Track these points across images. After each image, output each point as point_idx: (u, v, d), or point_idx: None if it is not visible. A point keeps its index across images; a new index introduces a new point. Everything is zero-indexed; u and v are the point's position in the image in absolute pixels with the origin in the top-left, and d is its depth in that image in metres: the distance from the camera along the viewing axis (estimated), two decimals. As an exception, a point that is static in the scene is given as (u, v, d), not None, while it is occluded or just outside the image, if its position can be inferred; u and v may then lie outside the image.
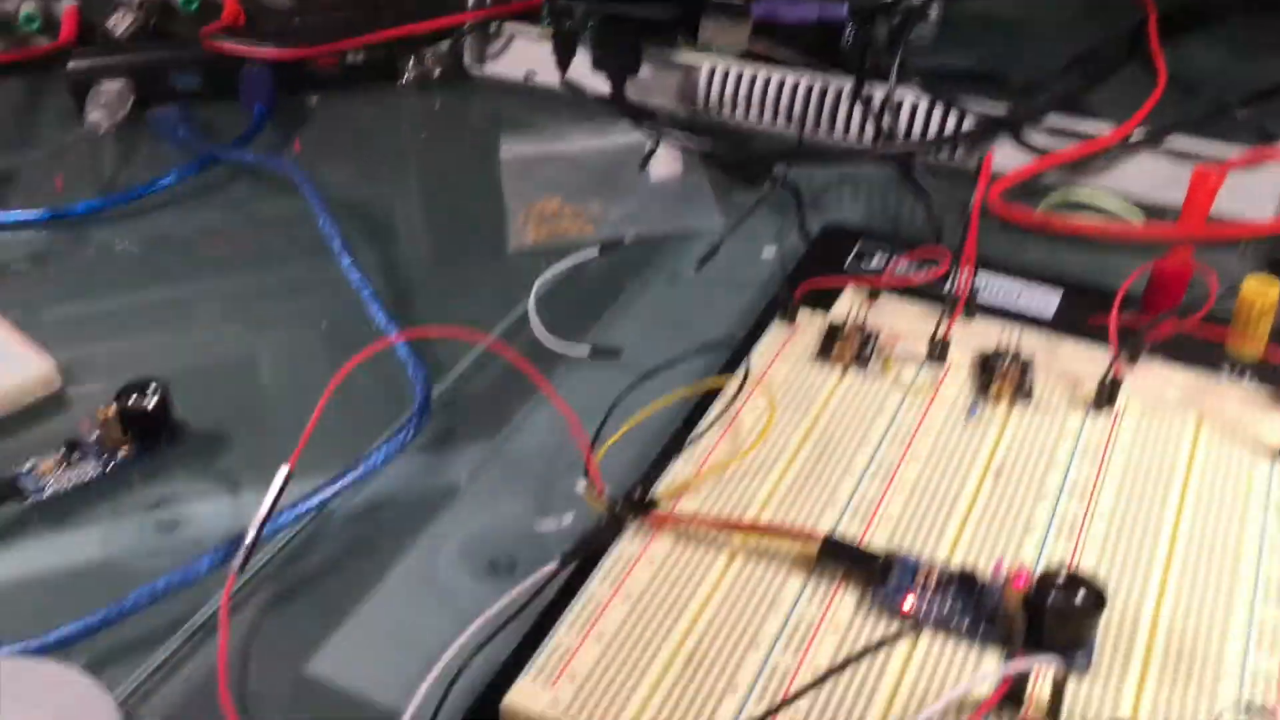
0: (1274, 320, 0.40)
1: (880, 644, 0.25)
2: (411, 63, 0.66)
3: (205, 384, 0.45)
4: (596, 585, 0.34)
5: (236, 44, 0.62)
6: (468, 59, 0.67)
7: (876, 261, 0.47)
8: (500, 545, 0.38)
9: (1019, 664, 0.27)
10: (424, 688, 0.31)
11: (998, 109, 0.52)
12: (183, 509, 0.41)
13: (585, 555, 0.35)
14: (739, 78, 0.57)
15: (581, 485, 0.37)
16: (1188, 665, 0.31)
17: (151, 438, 0.42)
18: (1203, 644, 0.31)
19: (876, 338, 0.42)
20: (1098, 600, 0.30)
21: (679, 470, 0.37)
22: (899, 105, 0.54)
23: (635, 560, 0.34)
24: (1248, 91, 0.54)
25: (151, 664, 0.35)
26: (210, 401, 0.44)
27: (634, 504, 0.35)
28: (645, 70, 0.59)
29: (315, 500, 0.39)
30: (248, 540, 0.36)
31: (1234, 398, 0.39)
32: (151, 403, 0.41)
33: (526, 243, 0.52)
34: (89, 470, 0.41)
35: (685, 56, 0.59)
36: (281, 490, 0.37)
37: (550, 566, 0.34)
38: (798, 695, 0.24)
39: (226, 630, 0.34)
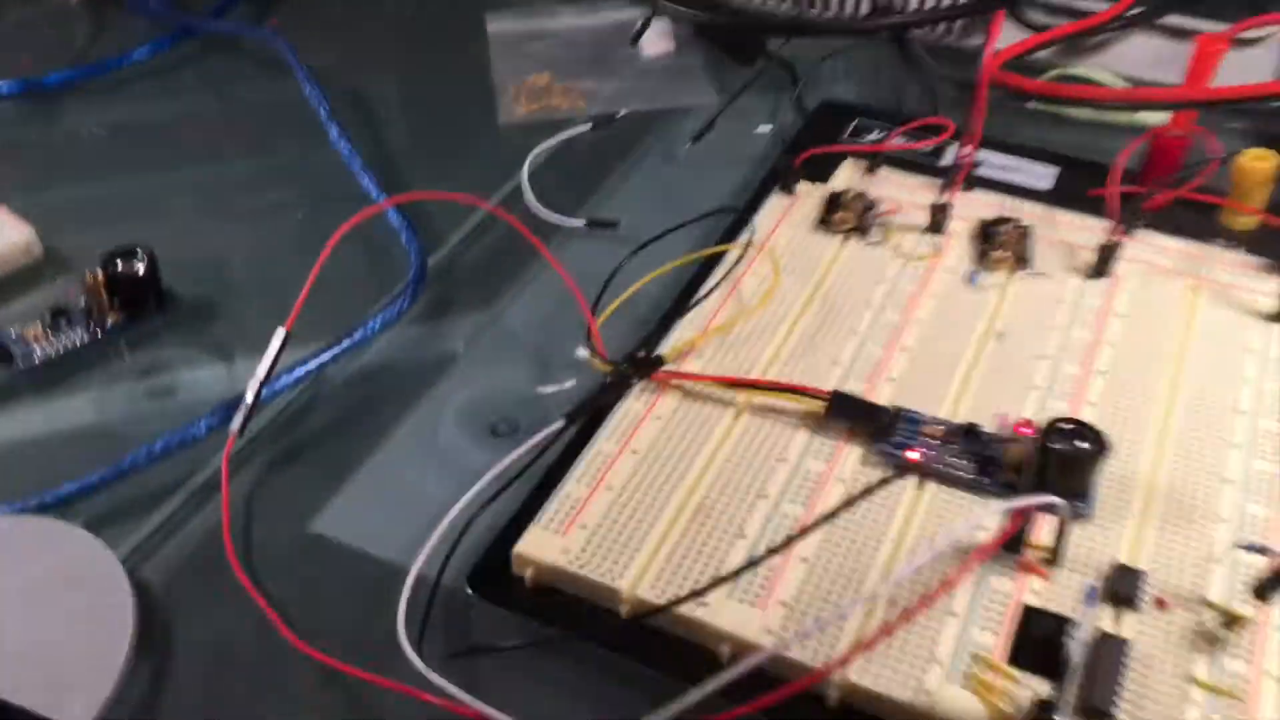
0: (1269, 192, 0.40)
1: (884, 481, 0.25)
2: (394, -64, 0.64)
3: (194, 255, 0.44)
4: (604, 441, 0.34)
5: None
6: (451, -66, 0.65)
7: (874, 137, 0.47)
8: (501, 410, 0.37)
9: (1026, 501, 0.27)
10: (431, 541, 0.31)
11: (996, -14, 0.51)
12: (175, 376, 0.40)
13: (590, 414, 0.35)
14: (732, -48, 0.56)
15: (583, 351, 0.37)
16: (1185, 513, 0.31)
17: (140, 305, 0.41)
18: (1200, 494, 0.32)
19: (876, 207, 0.42)
20: (1100, 445, 0.31)
21: (682, 333, 0.37)
22: (896, -21, 0.53)
23: (642, 417, 0.34)
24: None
25: (152, 524, 0.34)
26: (199, 274, 0.43)
27: (640, 362, 0.35)
28: (636, -57, 0.57)
29: (313, 364, 0.38)
30: (247, 400, 0.35)
31: (1229, 265, 0.40)
32: (139, 268, 0.41)
33: (517, 117, 0.51)
34: (77, 337, 0.40)
35: (678, -70, 0.57)
36: (280, 352, 0.36)
37: (555, 425, 0.34)
38: (804, 532, 0.24)
39: (228, 489, 0.34)
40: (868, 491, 0.26)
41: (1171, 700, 0.27)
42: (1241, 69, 0.48)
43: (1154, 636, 0.28)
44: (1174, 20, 0.50)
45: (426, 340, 0.41)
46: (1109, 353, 0.36)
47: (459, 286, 0.43)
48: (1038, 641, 0.27)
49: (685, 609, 0.29)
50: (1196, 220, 0.41)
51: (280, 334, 0.36)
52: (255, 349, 0.36)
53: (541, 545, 0.30)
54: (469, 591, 0.31)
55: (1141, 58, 0.50)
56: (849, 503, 0.26)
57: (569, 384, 0.38)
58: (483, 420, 0.37)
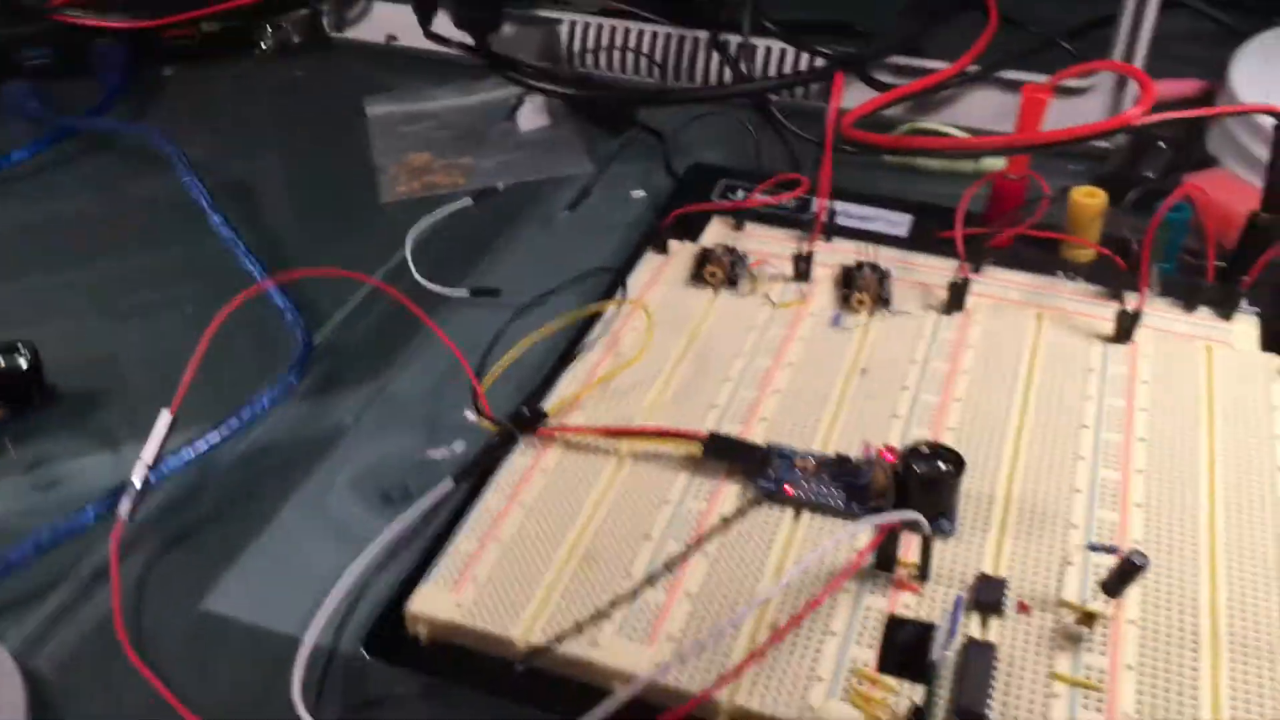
0: (1100, 226, 0.44)
1: (754, 503, 0.26)
2: (270, 31, 0.65)
3: (80, 351, 0.44)
4: (492, 496, 0.35)
5: (85, 16, 0.60)
6: (327, 24, 0.67)
7: (740, 196, 0.49)
8: (392, 477, 0.38)
9: (887, 516, 0.29)
10: (325, 610, 0.32)
11: (845, 51, 0.55)
12: (60, 468, 0.40)
13: (479, 472, 0.36)
14: (599, 29, 0.59)
15: (470, 414, 0.38)
16: (1040, 522, 0.33)
17: (23, 400, 0.41)
18: (1053, 504, 0.34)
19: (744, 260, 0.44)
20: (958, 465, 0.33)
21: (565, 388, 0.39)
22: (753, 50, 0.56)
23: (529, 471, 0.35)
24: (1072, 27, 0.58)
25: (42, 614, 0.34)
26: (86, 369, 0.43)
27: (524, 419, 0.37)
28: (507, 26, 0.60)
29: (202, 445, 0.39)
30: (134, 485, 0.36)
31: (1070, 294, 0.43)
32: (22, 363, 0.41)
33: (399, 196, 0.52)
34: (-42, 434, 0.40)
35: (547, 11, 0.60)
36: (166, 435, 0.37)
37: (444, 486, 0.35)
38: (682, 559, 0.25)
39: (118, 574, 0.34)
40: (740, 513, 0.28)
41: (1037, 697, 0.29)
42: (1078, 115, 0.52)
43: (1018, 638, 0.30)
44: (1010, 74, 0.54)
45: (316, 415, 0.42)
46: (964, 381, 0.39)
47: (347, 361, 0.44)
48: (907, 649, 0.29)
49: (577, 649, 0.30)
50: (1040, 256, 0.44)
51: (165, 417, 0.37)
52: (142, 437, 0.36)
53: (434, 602, 0.31)
54: (365, 655, 0.31)
55: (984, 111, 0.54)
56: (725, 524, 0.27)
57: (458, 446, 0.39)
58: (374, 488, 0.38)
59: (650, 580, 0.29)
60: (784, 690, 0.29)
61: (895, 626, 0.29)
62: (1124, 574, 0.29)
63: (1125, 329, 0.40)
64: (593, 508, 0.34)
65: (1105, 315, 0.41)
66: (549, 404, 0.38)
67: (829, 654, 0.30)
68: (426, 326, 0.42)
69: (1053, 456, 0.36)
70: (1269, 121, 0.41)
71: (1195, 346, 0.40)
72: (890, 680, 0.29)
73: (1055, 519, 0.34)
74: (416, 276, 0.46)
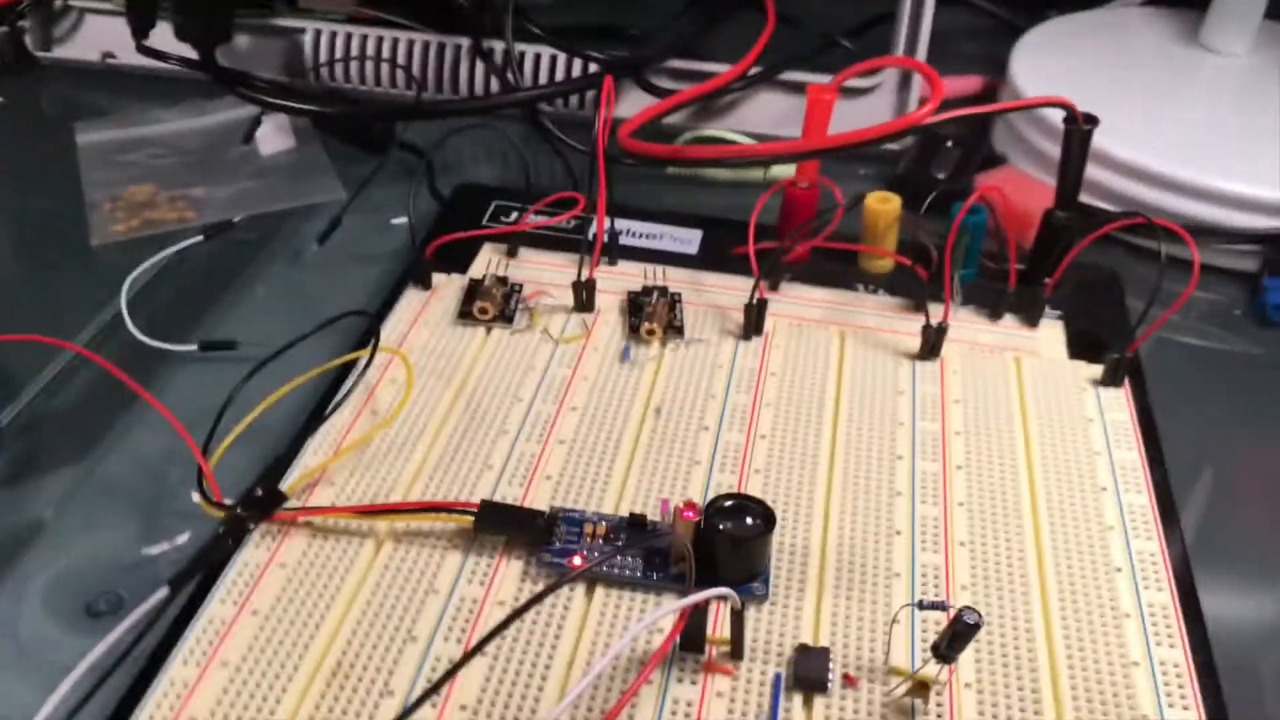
0: (896, 233, 0.41)
1: (540, 596, 0.21)
2: (-42, 51, 0.56)
3: None
4: (217, 605, 0.28)
5: None
6: (31, 43, 0.58)
7: (514, 219, 0.44)
8: (99, 583, 0.31)
9: (690, 599, 0.24)
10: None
11: (618, 55, 0.50)
12: None
13: (202, 574, 0.29)
14: (348, 39, 0.53)
15: (197, 497, 0.31)
16: (861, 575, 0.30)
17: None
18: (873, 551, 0.30)
19: (519, 291, 0.39)
20: (768, 519, 0.29)
21: (310, 459, 0.33)
22: (520, 58, 0.51)
23: (264, 568, 0.29)
24: (851, 25, 0.56)
25: None
26: None
27: (255, 503, 0.30)
28: (240, 38, 0.53)
29: None
30: None
31: (871, 309, 0.40)
32: None
33: (114, 236, 0.45)
34: None
35: (286, 21, 0.53)
36: None
37: (159, 595, 0.29)
38: (457, 667, 0.20)
39: None
40: (519, 613, 0.23)
41: (873, 787, 0.25)
42: (865, 116, 0.49)
43: (842, 718, 0.26)
44: (795, 76, 0.51)
45: (5, 510, 0.34)
46: (769, 415, 0.35)
47: (46, 441, 0.36)
48: None
49: (324, 799, 0.24)
50: (838, 269, 0.41)
51: None
52: None
53: (139, 754, 0.25)
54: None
55: (769, 115, 0.51)
56: (500, 628, 0.22)
57: (182, 539, 0.32)
58: (77, 599, 0.31)
59: (420, 700, 0.24)
60: (582, 820, 0.24)
61: None
62: (956, 635, 0.25)
63: (932, 345, 0.37)
64: (344, 608, 0.28)
65: (910, 330, 0.38)
66: (292, 479, 0.32)
67: (634, 764, 0.25)
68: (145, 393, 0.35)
69: (869, 495, 0.32)
70: (1056, 116, 0.39)
71: (1004, 359, 0.38)
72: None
73: (877, 569, 0.30)
74: (134, 332, 0.39)
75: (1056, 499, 0.32)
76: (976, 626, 0.25)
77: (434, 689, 0.20)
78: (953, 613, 0.26)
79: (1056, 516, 0.32)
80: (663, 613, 0.24)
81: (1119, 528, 0.31)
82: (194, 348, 0.39)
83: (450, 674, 0.20)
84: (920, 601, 0.27)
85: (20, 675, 0.29)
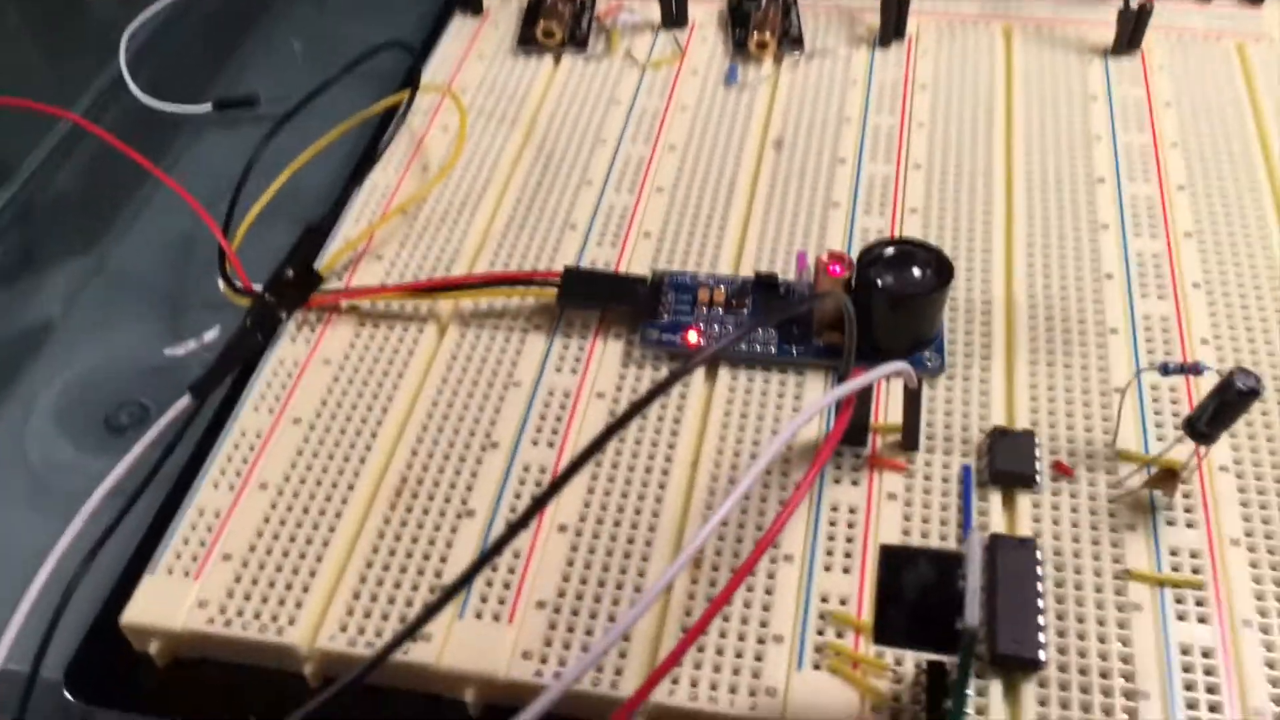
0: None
1: (658, 391, 0.15)
2: None
3: None
4: (249, 414, 0.23)
5: None
6: None
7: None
8: (118, 392, 0.26)
9: (853, 383, 0.18)
10: (16, 620, 0.20)
11: None
12: None
13: (231, 376, 0.24)
14: None
15: (221, 282, 0.26)
16: (1065, 333, 0.23)
17: None
18: (1076, 303, 0.23)
19: (592, 6, 0.31)
20: (942, 268, 0.22)
21: (349, 230, 0.26)
22: None
23: (303, 366, 0.23)
24: None
25: None
26: None
27: (287, 286, 0.24)
28: None
29: None
30: None
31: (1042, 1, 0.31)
32: None
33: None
34: None
35: None
36: None
37: (180, 404, 0.23)
38: (552, 490, 0.14)
39: None
40: (632, 413, 0.16)
41: (1109, 611, 0.19)
42: None
43: (1064, 520, 0.20)
44: None
45: (5, 312, 0.29)
46: (922, 139, 0.27)
47: (46, 229, 0.31)
48: (914, 601, 0.18)
49: (403, 651, 0.19)
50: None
51: None
52: None
53: (164, 602, 0.20)
54: (68, 696, 0.20)
55: None
56: (612, 430, 0.15)
57: (211, 335, 0.27)
58: (93, 413, 0.26)
59: (515, 528, 0.18)
60: (725, 675, 0.18)
61: (892, 561, 0.17)
62: (1224, 406, 0.18)
63: (1130, 34, 0.29)
64: (405, 410, 0.23)
65: (1098, 18, 0.30)
66: (329, 255, 0.26)
67: (786, 592, 0.19)
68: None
69: (1064, 232, 0.25)
70: None
71: (1224, 47, 0.29)
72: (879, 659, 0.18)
73: (1085, 326, 0.23)
74: (138, 94, 0.33)
75: (1316, 221, 0.25)
76: (1253, 393, 0.18)
77: (531, 512, 0.14)
78: (1208, 377, 0.19)
79: (1319, 243, 0.24)
80: (819, 406, 0.18)
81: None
82: (208, 108, 0.33)
83: (552, 492, 0.14)
84: (1164, 365, 0.20)
85: (31, 504, 0.24)
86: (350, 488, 0.21)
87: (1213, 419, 0.19)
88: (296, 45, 0.36)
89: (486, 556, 0.15)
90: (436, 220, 0.26)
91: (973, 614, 0.15)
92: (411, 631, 0.15)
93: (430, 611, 0.15)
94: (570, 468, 0.15)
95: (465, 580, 0.15)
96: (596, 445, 0.15)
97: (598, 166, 0.27)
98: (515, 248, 0.26)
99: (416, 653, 0.19)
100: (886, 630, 0.16)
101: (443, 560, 0.20)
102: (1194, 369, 0.20)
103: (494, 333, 0.24)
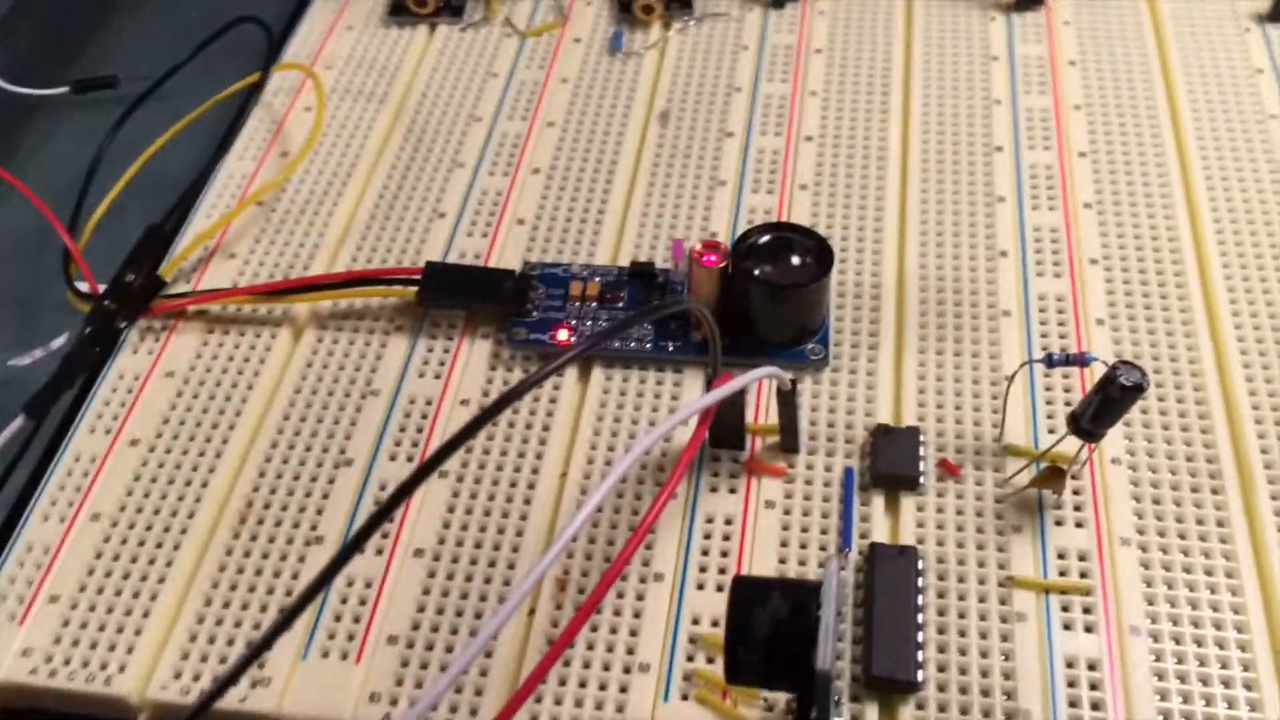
0: None
1: (516, 392, 0.14)
2: None
3: None
4: (83, 437, 0.21)
5: None
6: None
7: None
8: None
9: (714, 395, 0.17)
10: None
11: None
12: None
13: (61, 393, 0.22)
14: None
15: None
16: (955, 320, 0.22)
17: None
18: (969, 284, 0.22)
19: (468, -28, 0.29)
20: (823, 256, 0.20)
21: (201, 224, 0.25)
22: None
23: (144, 380, 0.22)
24: None
25: None
26: None
27: (129, 293, 0.23)
28: None
29: None
30: None
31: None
32: None
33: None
34: None
35: None
36: None
37: (14, 426, 0.22)
38: (400, 497, 0.13)
39: None
40: (482, 422, 0.14)
41: (992, 621, 0.18)
42: None
43: (949, 524, 0.19)
44: None
45: None
46: (815, 109, 0.26)
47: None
48: (776, 634, 0.16)
49: (239, 698, 0.17)
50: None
51: None
52: None
53: (-14, 652, 0.18)
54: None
55: None
56: (458, 441, 0.14)
57: (58, 343, 0.25)
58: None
59: (342, 553, 0.16)
60: (588, 710, 0.17)
61: (745, 593, 0.16)
62: (1108, 402, 0.17)
63: (1032, -12, 0.27)
64: (253, 427, 0.21)
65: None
66: (177, 253, 0.24)
67: (656, 614, 0.18)
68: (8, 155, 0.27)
69: (959, 207, 0.23)
70: None
71: (1131, -2, 0.28)
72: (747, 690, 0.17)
73: (978, 308, 0.22)
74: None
75: (1224, 189, 0.23)
76: (1138, 389, 0.17)
77: (365, 533, 0.13)
78: (1097, 367, 0.17)
79: (1225, 214, 0.23)
80: (680, 417, 0.16)
81: (1311, 220, 0.23)
82: (67, 90, 0.30)
83: (395, 503, 0.13)
84: (1049, 357, 0.19)
85: None
86: (190, 516, 0.20)
87: (1096, 416, 0.18)
88: (194, 13, 0.34)
89: (312, 590, 0.13)
90: (295, 212, 0.25)
91: (825, 655, 0.14)
92: (229, 682, 0.14)
93: (250, 658, 0.14)
94: (416, 476, 0.13)
95: (290, 617, 0.13)
96: (443, 453, 0.13)
97: (471, 147, 0.26)
98: (380, 240, 0.24)
99: (255, 700, 0.17)
100: (738, 669, 0.15)
101: (288, 594, 0.19)
102: (1080, 360, 0.18)
103: (353, 336, 0.22)
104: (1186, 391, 0.20)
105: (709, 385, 0.19)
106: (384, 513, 0.13)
